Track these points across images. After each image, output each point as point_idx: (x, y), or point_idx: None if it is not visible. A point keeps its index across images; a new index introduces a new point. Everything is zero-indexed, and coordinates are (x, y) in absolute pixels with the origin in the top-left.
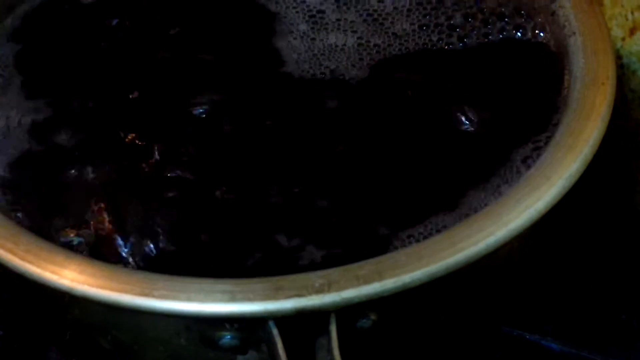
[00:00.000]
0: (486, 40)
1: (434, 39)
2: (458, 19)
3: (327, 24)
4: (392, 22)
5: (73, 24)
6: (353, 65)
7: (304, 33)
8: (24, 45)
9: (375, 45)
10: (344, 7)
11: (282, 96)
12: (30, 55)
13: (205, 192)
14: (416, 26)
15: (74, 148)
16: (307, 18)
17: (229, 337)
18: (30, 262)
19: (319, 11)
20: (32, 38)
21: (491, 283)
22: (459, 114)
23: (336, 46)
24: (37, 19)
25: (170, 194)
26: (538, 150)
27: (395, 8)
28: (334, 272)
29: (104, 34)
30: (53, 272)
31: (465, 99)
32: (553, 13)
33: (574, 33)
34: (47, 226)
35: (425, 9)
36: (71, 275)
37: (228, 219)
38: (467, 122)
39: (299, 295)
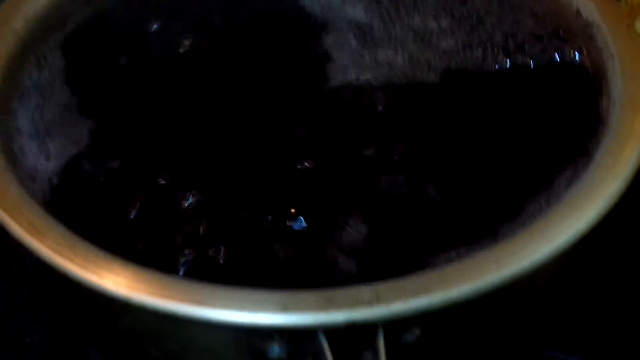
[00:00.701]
0: (526, 60)
1: (479, 57)
2: (498, 37)
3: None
4: (437, 40)
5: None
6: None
7: None
8: (75, 58)
9: (426, 60)
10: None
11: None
12: (82, 71)
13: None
14: (460, 45)
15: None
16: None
17: (277, 349)
18: (88, 270)
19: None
20: (86, 51)
21: (531, 303)
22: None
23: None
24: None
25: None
26: (578, 172)
27: (439, 27)
28: (383, 286)
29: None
30: (109, 279)
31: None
32: (591, 36)
33: (612, 56)
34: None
35: (465, 27)
36: (127, 283)
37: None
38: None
39: (350, 308)
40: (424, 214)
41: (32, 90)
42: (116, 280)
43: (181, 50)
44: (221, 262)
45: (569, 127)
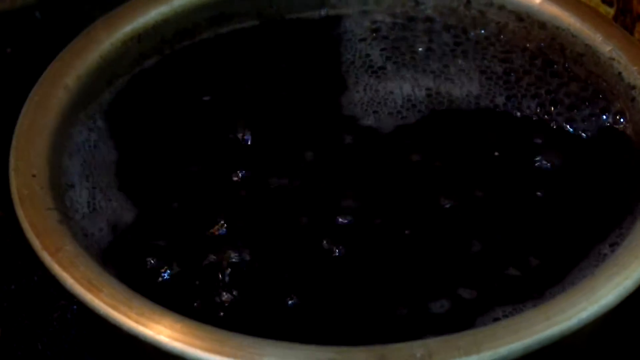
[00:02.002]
0: (567, 122)
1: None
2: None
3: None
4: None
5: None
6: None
7: None
8: (121, 117)
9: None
10: None
11: None
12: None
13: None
14: (504, 97)
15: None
16: None
17: None
18: (143, 324)
19: None
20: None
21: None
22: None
23: None
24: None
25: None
26: (623, 232)
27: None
28: (434, 342)
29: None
30: (165, 334)
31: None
32: (633, 99)
33: None
34: None
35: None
36: (182, 338)
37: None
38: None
39: None
40: (471, 271)
41: (82, 147)
42: (172, 335)
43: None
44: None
45: (613, 189)
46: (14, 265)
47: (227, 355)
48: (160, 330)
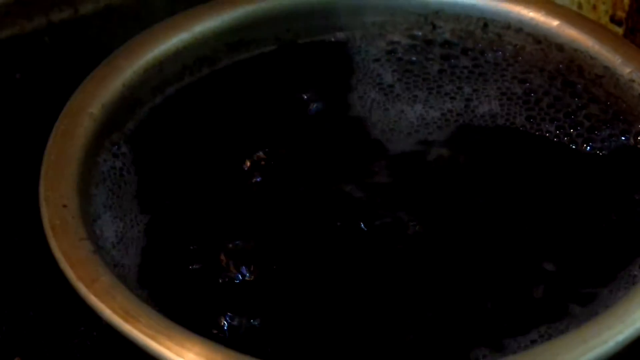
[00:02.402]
0: (587, 144)
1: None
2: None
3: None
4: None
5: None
6: None
7: None
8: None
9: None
10: None
11: None
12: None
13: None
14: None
15: None
16: None
17: None
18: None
19: None
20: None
21: None
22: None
23: None
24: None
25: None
26: None
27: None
28: None
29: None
30: (175, 352)
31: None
32: None
33: None
34: None
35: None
36: (191, 356)
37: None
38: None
39: None
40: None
41: (107, 177)
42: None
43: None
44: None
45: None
46: (33, 292)
47: None
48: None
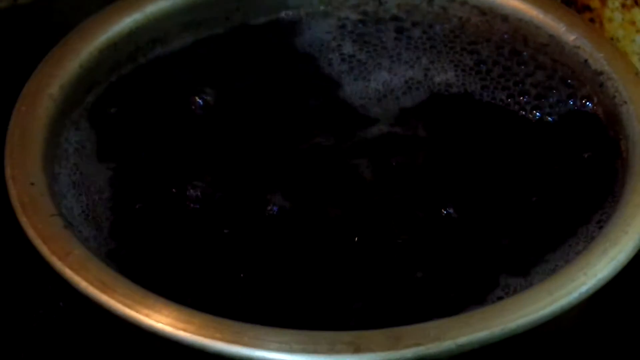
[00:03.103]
0: (537, 110)
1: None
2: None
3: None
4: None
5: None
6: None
7: None
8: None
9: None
10: None
11: None
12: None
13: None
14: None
15: None
16: None
17: None
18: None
19: None
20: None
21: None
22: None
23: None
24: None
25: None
26: (606, 212)
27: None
28: (447, 322)
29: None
30: (154, 319)
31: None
32: (601, 84)
33: (625, 102)
34: None
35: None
36: (201, 332)
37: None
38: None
39: (418, 344)
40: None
41: (70, 154)
42: (187, 328)
43: (203, 111)
44: None
45: (591, 171)
46: (41, 291)
47: (239, 344)
48: (177, 325)
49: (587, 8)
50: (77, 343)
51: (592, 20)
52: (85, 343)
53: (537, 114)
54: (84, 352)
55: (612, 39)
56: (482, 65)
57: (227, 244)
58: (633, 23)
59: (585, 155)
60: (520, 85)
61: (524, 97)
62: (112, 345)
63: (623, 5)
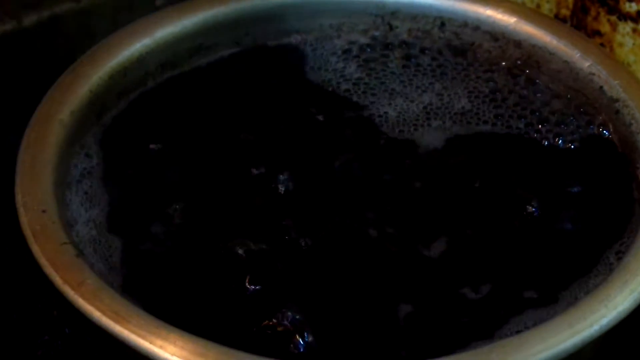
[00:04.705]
0: (553, 138)
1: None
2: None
3: None
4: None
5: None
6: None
7: None
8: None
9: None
10: None
11: None
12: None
13: None
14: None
15: None
16: None
17: None
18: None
19: None
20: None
21: None
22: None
23: None
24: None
25: None
26: (625, 243)
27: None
28: (467, 356)
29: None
30: (169, 351)
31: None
32: (617, 112)
33: None
34: None
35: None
36: (184, 355)
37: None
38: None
39: None
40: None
41: (81, 180)
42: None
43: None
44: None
45: (611, 203)
46: (47, 317)
47: None
48: (192, 358)
49: (597, 33)
50: None
51: (602, 45)
52: None
53: (559, 141)
54: None
55: None
56: (497, 94)
57: (242, 272)
58: None
59: (603, 185)
60: (537, 113)
61: (543, 125)
62: None
63: (634, 30)
